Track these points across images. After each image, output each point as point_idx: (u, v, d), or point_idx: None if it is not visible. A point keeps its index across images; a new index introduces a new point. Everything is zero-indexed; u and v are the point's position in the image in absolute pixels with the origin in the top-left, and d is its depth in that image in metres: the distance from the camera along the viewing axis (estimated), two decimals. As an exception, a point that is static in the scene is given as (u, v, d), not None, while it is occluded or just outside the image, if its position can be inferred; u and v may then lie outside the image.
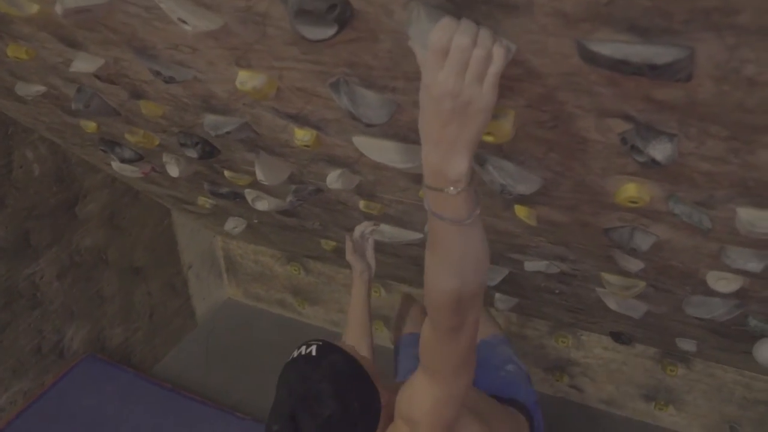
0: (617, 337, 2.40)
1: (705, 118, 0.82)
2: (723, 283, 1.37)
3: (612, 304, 1.81)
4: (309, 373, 1.17)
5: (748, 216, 1.02)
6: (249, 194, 2.01)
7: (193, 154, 1.66)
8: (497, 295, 2.35)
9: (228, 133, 1.40)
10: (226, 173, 1.88)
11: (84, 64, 1.30)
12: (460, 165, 0.79)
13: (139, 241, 2.80)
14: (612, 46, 0.72)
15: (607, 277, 1.66)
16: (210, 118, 1.42)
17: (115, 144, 1.99)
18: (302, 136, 1.32)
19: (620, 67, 0.73)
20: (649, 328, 2.11)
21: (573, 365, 2.66)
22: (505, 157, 1.13)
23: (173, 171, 1.93)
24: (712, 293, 1.53)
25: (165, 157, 1.91)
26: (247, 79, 1.11)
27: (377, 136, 1.23)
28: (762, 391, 2.34)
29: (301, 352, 1.22)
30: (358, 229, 1.78)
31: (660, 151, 0.90)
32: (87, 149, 2.24)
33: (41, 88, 1.65)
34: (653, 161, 0.91)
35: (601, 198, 1.18)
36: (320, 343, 1.24)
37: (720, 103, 0.77)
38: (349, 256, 1.75)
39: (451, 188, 0.81)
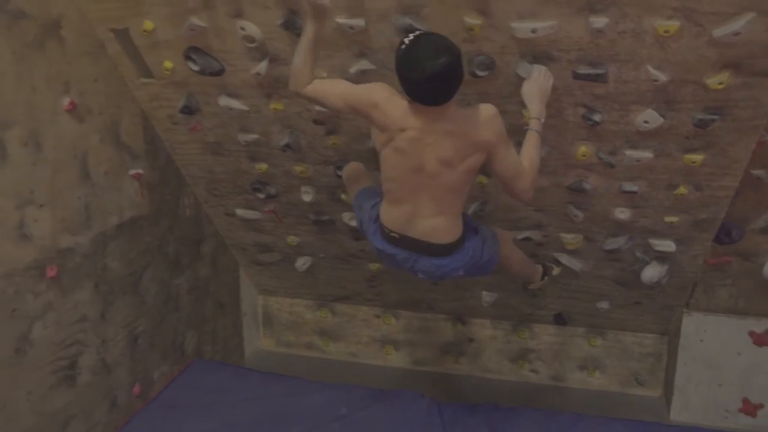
0: (559, 318, 3.77)
1: (614, 100, 2.37)
2: (622, 215, 2.87)
3: (564, 260, 3.23)
4: (436, 36, 2.06)
5: (631, 153, 2.56)
6: (345, 216, 3.33)
7: (340, 173, 3.00)
8: (484, 292, 3.69)
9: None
10: (343, 196, 3.20)
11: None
12: (544, 110, 2.28)
13: (224, 283, 3.91)
14: (583, 71, 2.27)
15: (563, 236, 3.11)
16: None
17: (267, 184, 3.27)
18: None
19: (582, 76, 2.28)
20: (580, 295, 3.51)
21: (530, 352, 3.96)
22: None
23: (307, 197, 3.23)
24: (616, 233, 3.02)
25: (303, 188, 3.22)
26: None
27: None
28: (649, 346, 3.75)
29: (415, 33, 2.06)
30: None
31: (597, 117, 2.43)
32: (224, 198, 3.46)
33: (254, 137, 2.97)
34: (596, 122, 2.44)
35: (568, 159, 2.67)
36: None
37: (617, 90, 2.33)
38: None
39: (542, 119, 2.29)
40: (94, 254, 2.78)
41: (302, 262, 3.80)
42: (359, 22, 2.32)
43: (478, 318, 3.95)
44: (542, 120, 2.30)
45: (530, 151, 2.28)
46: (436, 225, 2.34)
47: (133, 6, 2.51)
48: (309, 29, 2.14)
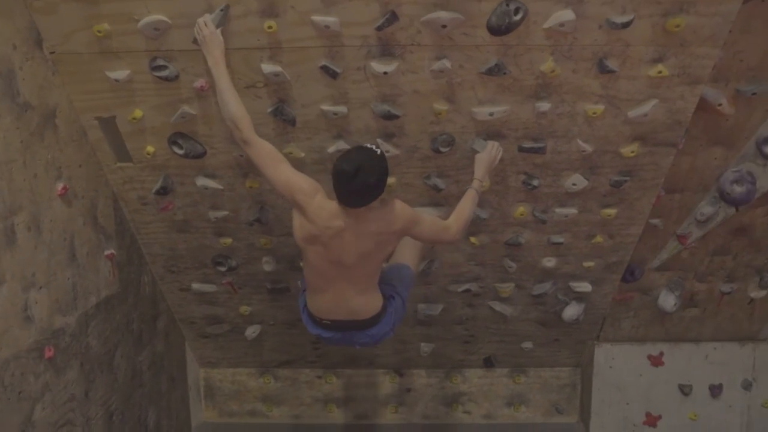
0: (488, 362, 4.23)
1: (549, 167, 2.93)
2: (549, 263, 3.41)
3: (497, 307, 3.72)
4: (376, 158, 2.31)
5: (560, 211, 3.12)
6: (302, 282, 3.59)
7: (307, 240, 3.29)
8: (422, 344, 4.07)
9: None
10: (302, 263, 3.47)
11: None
12: (486, 176, 2.76)
13: (174, 357, 3.97)
14: (527, 145, 2.81)
15: (497, 285, 3.60)
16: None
17: (228, 257, 3.48)
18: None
19: (526, 149, 2.82)
20: (508, 338, 4.00)
21: (462, 395, 4.35)
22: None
23: (269, 267, 3.48)
24: (542, 279, 3.56)
25: (265, 259, 3.46)
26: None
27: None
28: (565, 378, 4.30)
29: (372, 147, 2.35)
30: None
31: (536, 182, 2.97)
32: (181, 274, 3.60)
33: (224, 213, 3.20)
34: (534, 186, 2.98)
35: (507, 218, 3.19)
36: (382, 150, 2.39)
37: (553, 160, 2.89)
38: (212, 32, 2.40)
39: (485, 182, 2.77)
40: (80, 333, 2.85)
41: (252, 331, 3.97)
42: (342, 109, 2.71)
43: (414, 368, 4.31)
44: (483, 182, 2.77)
45: (464, 205, 2.67)
46: (360, 303, 2.63)
47: (125, 96, 2.72)
48: (221, 71, 2.41)
